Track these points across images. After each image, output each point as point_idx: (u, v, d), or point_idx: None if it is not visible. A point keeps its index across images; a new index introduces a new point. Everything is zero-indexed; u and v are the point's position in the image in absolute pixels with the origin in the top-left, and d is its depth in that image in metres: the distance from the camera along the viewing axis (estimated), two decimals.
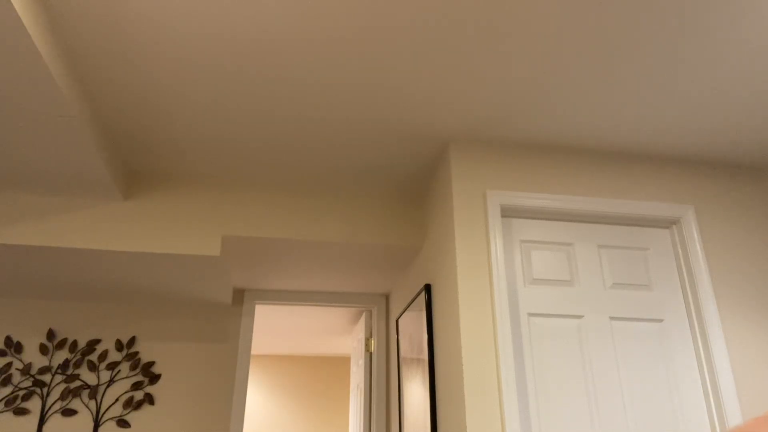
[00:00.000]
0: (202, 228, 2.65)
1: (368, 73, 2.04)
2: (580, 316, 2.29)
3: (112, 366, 3.19)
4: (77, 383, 3.13)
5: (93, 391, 3.12)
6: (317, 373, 6.18)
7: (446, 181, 2.47)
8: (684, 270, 2.42)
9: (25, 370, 3.09)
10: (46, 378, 3.11)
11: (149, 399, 3.16)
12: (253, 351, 6.02)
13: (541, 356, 2.20)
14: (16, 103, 1.91)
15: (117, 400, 3.14)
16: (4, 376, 3.06)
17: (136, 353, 3.25)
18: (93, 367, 3.17)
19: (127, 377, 3.19)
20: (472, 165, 2.42)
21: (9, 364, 3.09)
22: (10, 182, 2.45)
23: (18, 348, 3.14)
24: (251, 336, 3.41)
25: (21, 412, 3.02)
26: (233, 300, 3.48)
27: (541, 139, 2.46)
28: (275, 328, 4.96)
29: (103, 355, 3.21)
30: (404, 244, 2.84)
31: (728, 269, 2.44)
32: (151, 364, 3.23)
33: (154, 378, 3.21)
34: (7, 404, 3.02)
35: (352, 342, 4.82)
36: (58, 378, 3.12)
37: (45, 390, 3.08)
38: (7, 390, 3.05)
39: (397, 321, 3.25)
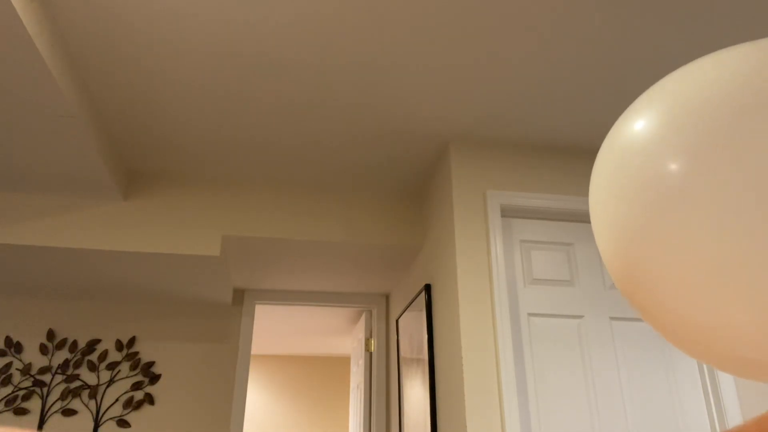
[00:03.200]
0: (202, 228, 2.65)
1: (369, 73, 2.04)
2: (580, 316, 2.29)
3: (112, 366, 3.19)
4: (77, 383, 3.13)
5: (93, 391, 3.12)
6: (317, 373, 6.17)
7: (446, 181, 2.47)
8: None
9: (25, 370, 3.09)
10: (46, 378, 3.11)
11: (149, 399, 3.16)
12: (253, 351, 6.02)
13: (541, 356, 2.20)
14: (16, 104, 1.91)
15: (117, 400, 3.14)
16: (4, 376, 3.06)
17: (136, 353, 3.25)
18: (93, 367, 3.17)
19: (127, 377, 3.19)
20: (472, 165, 2.42)
21: (9, 364, 3.09)
22: (10, 182, 2.45)
23: (18, 348, 3.14)
24: (251, 336, 3.41)
25: (21, 412, 3.02)
26: (233, 300, 3.48)
27: (541, 139, 2.46)
28: (275, 328, 4.96)
29: (103, 355, 3.21)
30: (404, 244, 2.84)
31: None
32: (151, 364, 3.23)
33: (154, 378, 3.21)
34: (7, 404, 3.02)
35: (352, 342, 4.82)
36: (58, 378, 3.12)
37: (45, 390, 3.08)
38: (7, 390, 3.05)
39: (397, 321, 3.25)
